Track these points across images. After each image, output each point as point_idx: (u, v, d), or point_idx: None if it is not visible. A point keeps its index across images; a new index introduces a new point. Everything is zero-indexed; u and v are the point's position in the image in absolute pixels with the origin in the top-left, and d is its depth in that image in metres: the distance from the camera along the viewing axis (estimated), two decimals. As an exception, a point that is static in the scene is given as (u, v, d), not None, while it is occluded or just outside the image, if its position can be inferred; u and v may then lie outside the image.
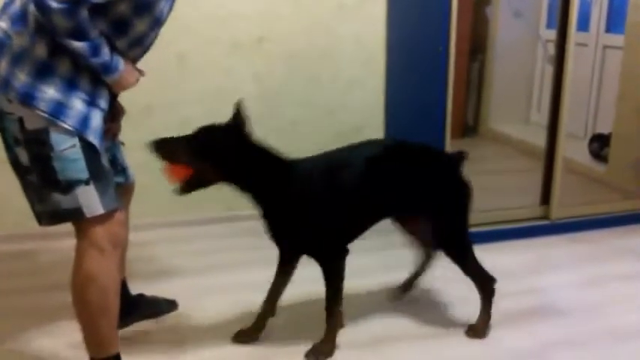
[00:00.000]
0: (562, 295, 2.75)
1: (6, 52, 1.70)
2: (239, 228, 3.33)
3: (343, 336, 2.30)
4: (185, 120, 3.32)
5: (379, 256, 3.01)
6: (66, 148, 1.72)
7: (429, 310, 2.56)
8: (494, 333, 2.40)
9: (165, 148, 1.95)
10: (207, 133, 2.00)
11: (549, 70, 3.55)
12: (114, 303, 1.90)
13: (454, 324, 2.45)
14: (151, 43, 1.95)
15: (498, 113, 5.06)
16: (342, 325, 2.28)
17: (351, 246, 2.20)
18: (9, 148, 1.78)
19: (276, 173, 2.06)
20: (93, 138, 1.76)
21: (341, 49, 3.54)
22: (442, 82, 2.99)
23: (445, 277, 2.65)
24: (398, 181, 2.17)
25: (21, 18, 1.71)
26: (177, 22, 3.15)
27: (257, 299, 2.33)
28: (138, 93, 3.13)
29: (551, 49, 3.47)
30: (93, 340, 1.90)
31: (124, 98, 3.11)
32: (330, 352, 2.20)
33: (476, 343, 2.34)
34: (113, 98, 1.97)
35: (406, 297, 2.65)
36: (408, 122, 3.47)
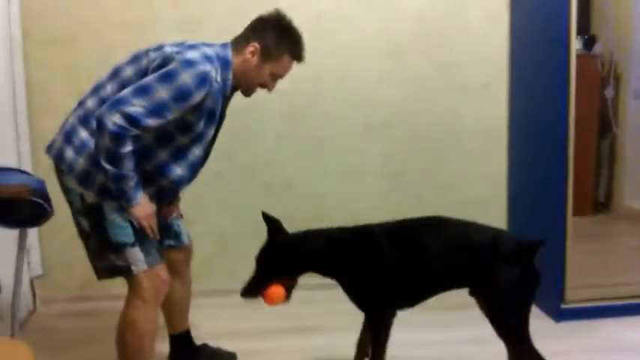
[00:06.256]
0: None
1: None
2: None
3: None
4: (319, 195, 3.73)
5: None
6: (116, 217, 2.11)
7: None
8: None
9: (252, 289, 2.30)
10: (264, 258, 2.33)
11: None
12: (149, 347, 2.25)
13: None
14: (199, 159, 2.27)
15: (635, 190, 4.97)
16: None
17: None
18: (74, 217, 2.20)
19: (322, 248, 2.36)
20: None
21: (465, 128, 3.79)
22: (562, 159, 3.11)
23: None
24: (452, 260, 2.30)
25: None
26: (319, 109, 3.61)
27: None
28: (282, 171, 3.60)
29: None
30: None
31: (270, 174, 3.53)
32: None
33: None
34: (170, 193, 2.33)
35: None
36: (531, 198, 3.58)
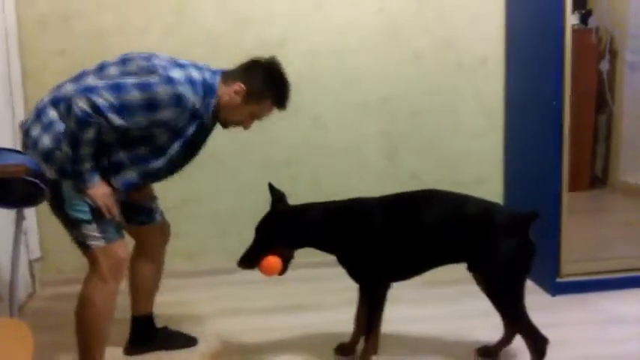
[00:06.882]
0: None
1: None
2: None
3: None
4: (317, 173, 3.72)
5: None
6: (72, 195, 2.18)
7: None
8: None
9: (249, 258, 2.33)
10: (264, 228, 2.37)
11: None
12: (105, 327, 2.30)
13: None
14: (156, 170, 2.29)
15: (630, 164, 4.98)
16: (375, 352, 2.46)
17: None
18: None
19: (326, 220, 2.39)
20: None
21: (461, 104, 3.79)
22: (557, 134, 3.13)
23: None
24: (447, 232, 2.33)
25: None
26: (316, 86, 3.60)
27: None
28: (279, 149, 3.60)
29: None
30: (84, 356, 2.29)
31: (269, 149, 3.53)
32: None
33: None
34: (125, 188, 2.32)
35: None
36: (527, 174, 3.59)
